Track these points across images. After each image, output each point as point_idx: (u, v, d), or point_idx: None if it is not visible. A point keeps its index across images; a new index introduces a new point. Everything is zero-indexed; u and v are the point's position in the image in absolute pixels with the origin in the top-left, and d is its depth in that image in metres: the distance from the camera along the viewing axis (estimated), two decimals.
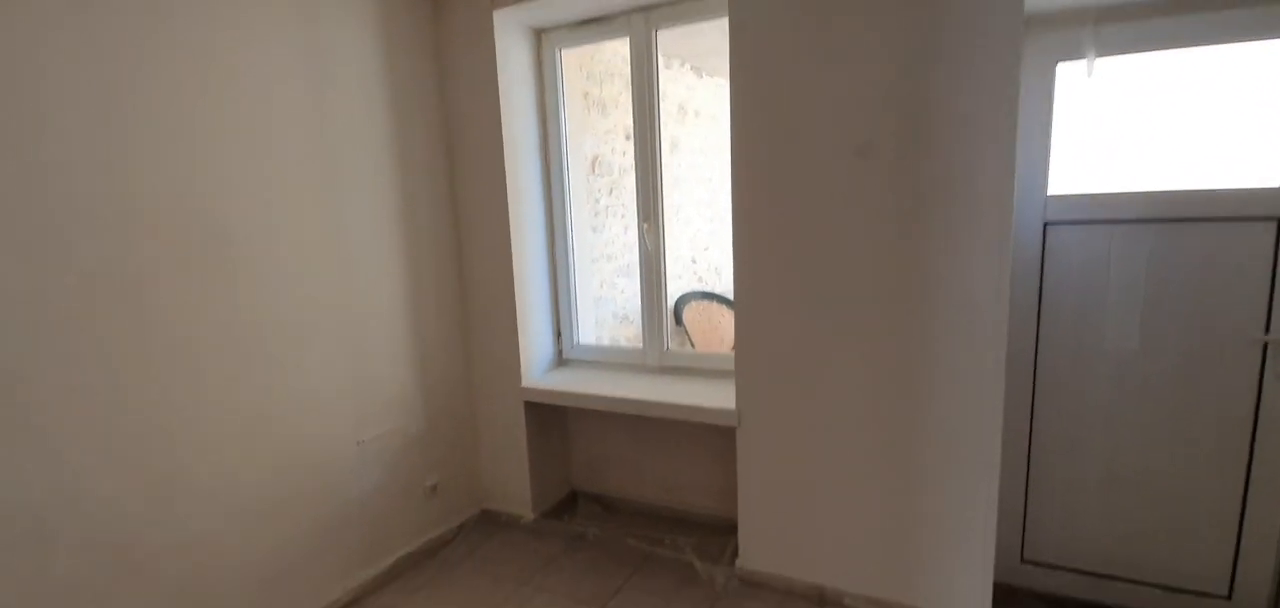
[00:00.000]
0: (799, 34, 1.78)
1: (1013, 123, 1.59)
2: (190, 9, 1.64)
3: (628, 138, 3.51)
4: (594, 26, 2.35)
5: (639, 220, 2.35)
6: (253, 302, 1.82)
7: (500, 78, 2.29)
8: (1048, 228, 1.88)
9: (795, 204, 1.86)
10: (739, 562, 2.16)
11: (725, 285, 4.39)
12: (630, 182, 3.44)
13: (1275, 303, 1.68)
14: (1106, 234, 1.82)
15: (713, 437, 2.41)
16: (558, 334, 2.66)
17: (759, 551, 2.12)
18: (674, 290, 4.03)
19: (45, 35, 1.40)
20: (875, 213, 1.77)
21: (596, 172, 3.37)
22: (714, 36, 2.24)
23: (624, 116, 3.49)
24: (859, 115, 1.74)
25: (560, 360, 2.69)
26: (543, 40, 2.45)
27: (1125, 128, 1.87)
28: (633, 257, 3.50)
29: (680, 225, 4.08)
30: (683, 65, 4.11)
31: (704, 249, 4.40)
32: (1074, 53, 1.80)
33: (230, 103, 1.74)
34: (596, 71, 3.35)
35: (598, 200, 3.40)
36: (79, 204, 1.47)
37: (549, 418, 2.64)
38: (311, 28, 1.94)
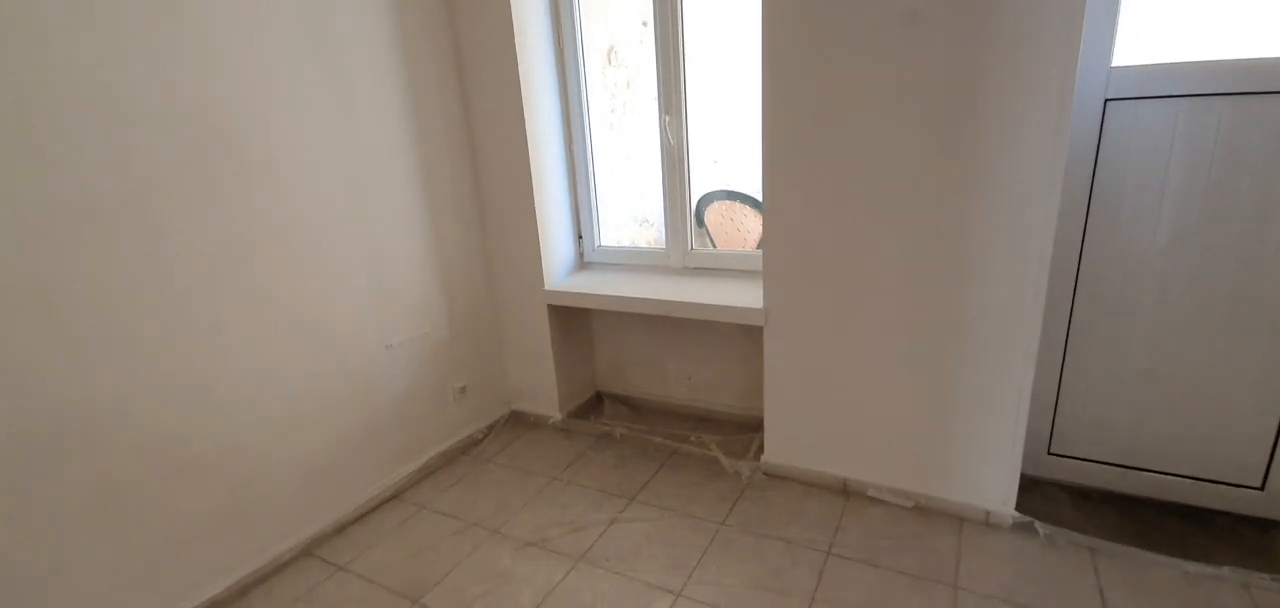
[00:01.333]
0: None
1: None
2: None
3: (645, 24, 3.28)
4: None
5: (660, 112, 2.23)
6: (265, 207, 1.78)
7: None
8: (1108, 105, 1.73)
9: (833, 82, 1.73)
10: (764, 457, 2.20)
11: (748, 187, 4.24)
12: (648, 74, 3.25)
13: None
14: (1172, 110, 1.67)
15: (737, 336, 2.39)
16: (579, 237, 2.61)
17: (784, 446, 2.14)
18: (696, 190, 3.90)
19: None
20: (922, 90, 1.64)
21: (612, 64, 3.18)
22: None
23: None
24: None
25: (582, 263, 2.65)
26: None
27: None
28: (652, 157, 3.37)
29: (701, 122, 3.88)
30: None
31: (726, 148, 4.22)
32: None
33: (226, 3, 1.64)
34: None
35: (614, 96, 3.23)
36: (78, 110, 1.41)
37: (573, 321, 2.64)
38: None
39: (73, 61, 1.40)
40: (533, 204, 2.36)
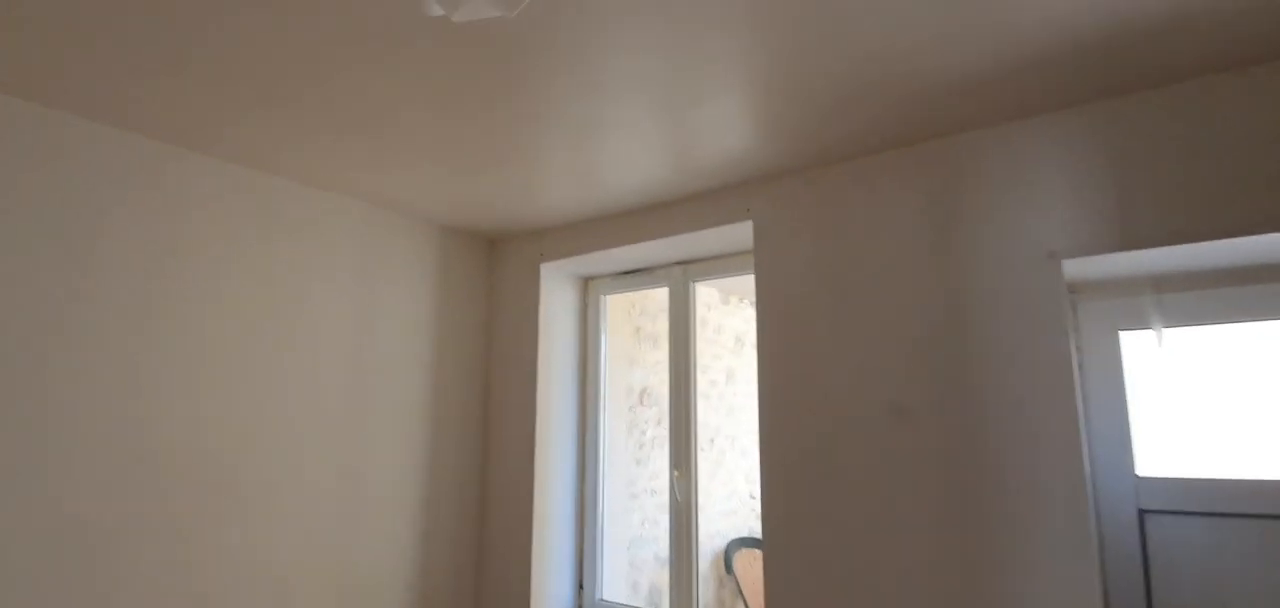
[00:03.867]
0: (826, 294, 1.77)
1: (1070, 395, 1.43)
2: (250, 265, 1.83)
3: None
4: (636, 276, 2.49)
5: (670, 467, 2.24)
6: (247, 552, 1.77)
7: (541, 322, 2.40)
8: (1145, 516, 1.58)
9: (830, 463, 1.70)
10: None
11: None
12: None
13: None
14: (1218, 527, 1.50)
15: None
16: (580, 587, 2.45)
17: None
18: (727, 529, 3.72)
19: (116, 309, 1.60)
20: (921, 489, 1.57)
21: (644, 403, 3.35)
22: None
23: None
24: (892, 375, 1.64)
25: None
26: (588, 286, 2.61)
27: (1223, 401, 1.63)
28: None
29: (736, 456, 3.88)
30: (742, 300, 4.23)
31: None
32: (1137, 321, 1.65)
33: (271, 352, 1.86)
34: (650, 308, 3.50)
35: (644, 432, 3.34)
36: (103, 452, 1.54)
37: None
38: (366, 287, 2.13)
39: (132, 416, 1.61)
40: (530, 554, 2.26)
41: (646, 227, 2.16)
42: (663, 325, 3.57)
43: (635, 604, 2.80)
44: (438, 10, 0.90)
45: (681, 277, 2.35)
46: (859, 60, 1.32)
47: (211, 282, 1.75)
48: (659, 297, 3.58)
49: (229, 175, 1.81)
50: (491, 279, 2.59)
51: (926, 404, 1.59)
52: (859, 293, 1.71)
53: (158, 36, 1.25)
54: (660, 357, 3.52)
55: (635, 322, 3.38)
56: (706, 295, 3.89)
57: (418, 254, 2.32)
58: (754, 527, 3.92)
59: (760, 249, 1.90)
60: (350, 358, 2.07)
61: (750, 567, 3.44)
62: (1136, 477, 1.61)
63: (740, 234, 2.06)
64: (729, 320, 4.08)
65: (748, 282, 3.76)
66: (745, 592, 3.29)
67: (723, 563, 3.43)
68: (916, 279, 1.63)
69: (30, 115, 1.49)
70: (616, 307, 2.96)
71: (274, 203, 1.91)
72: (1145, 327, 1.65)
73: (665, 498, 3.41)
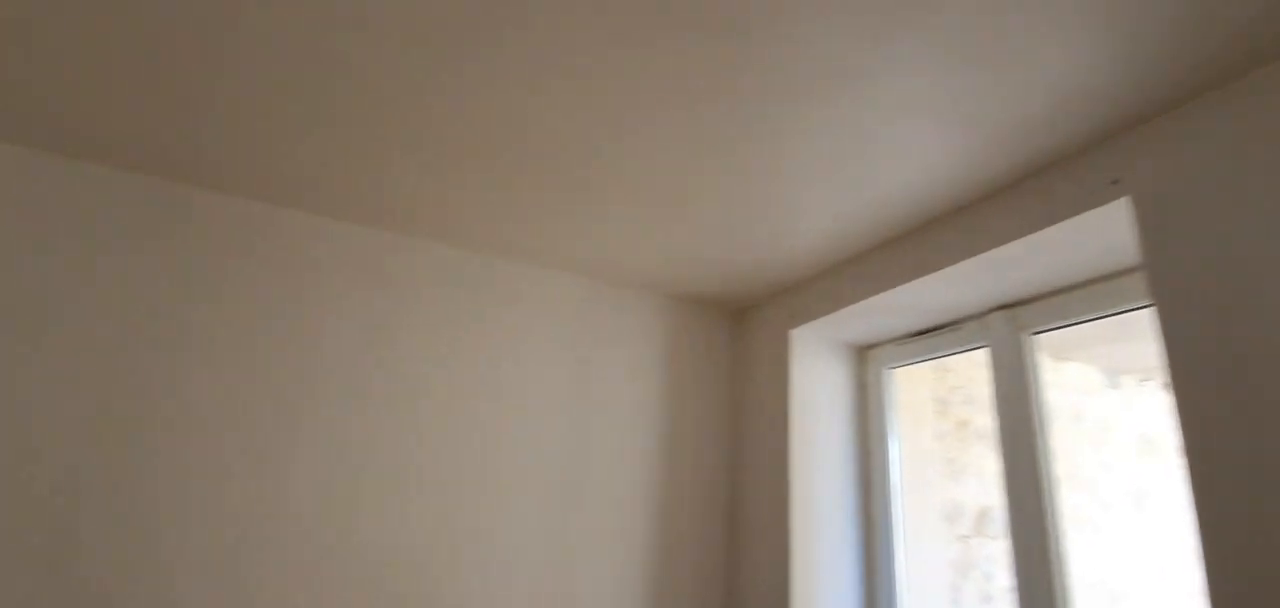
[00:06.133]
0: None
1: None
2: (456, 360, 1.73)
3: None
4: (934, 337, 1.73)
5: None
6: None
7: (792, 410, 1.82)
8: None
9: None
10: None
11: None
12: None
13: None
14: None
15: None
16: None
17: None
18: None
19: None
20: None
21: (982, 531, 2.32)
22: None
23: None
24: None
25: None
26: (865, 358, 1.94)
27: None
28: None
29: None
30: (1142, 380, 2.80)
31: None
32: None
33: (477, 457, 1.70)
34: (977, 393, 2.52)
35: (988, 580, 2.28)
36: (294, 549, 1.50)
37: None
38: (583, 377, 1.88)
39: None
40: None
41: (939, 249, 1.44)
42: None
43: None
44: None
45: (1006, 328, 1.52)
46: None
47: (417, 375, 1.71)
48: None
49: (431, 256, 1.78)
50: (736, 357, 2.15)
51: None
52: None
53: (361, 118, 1.29)
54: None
55: (956, 412, 2.45)
56: (1079, 376, 2.66)
57: (644, 330, 2.03)
58: None
59: (1153, 250, 1.04)
60: (564, 467, 1.81)
61: None
62: None
63: (1103, 236, 1.21)
64: (1123, 412, 2.70)
65: (1143, 347, 2.43)
66: None
67: None
68: None
69: (241, 211, 1.61)
70: (918, 386, 2.17)
71: (483, 284, 1.82)
72: None
73: None
